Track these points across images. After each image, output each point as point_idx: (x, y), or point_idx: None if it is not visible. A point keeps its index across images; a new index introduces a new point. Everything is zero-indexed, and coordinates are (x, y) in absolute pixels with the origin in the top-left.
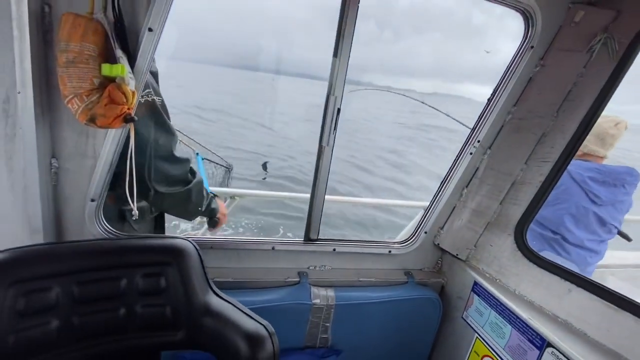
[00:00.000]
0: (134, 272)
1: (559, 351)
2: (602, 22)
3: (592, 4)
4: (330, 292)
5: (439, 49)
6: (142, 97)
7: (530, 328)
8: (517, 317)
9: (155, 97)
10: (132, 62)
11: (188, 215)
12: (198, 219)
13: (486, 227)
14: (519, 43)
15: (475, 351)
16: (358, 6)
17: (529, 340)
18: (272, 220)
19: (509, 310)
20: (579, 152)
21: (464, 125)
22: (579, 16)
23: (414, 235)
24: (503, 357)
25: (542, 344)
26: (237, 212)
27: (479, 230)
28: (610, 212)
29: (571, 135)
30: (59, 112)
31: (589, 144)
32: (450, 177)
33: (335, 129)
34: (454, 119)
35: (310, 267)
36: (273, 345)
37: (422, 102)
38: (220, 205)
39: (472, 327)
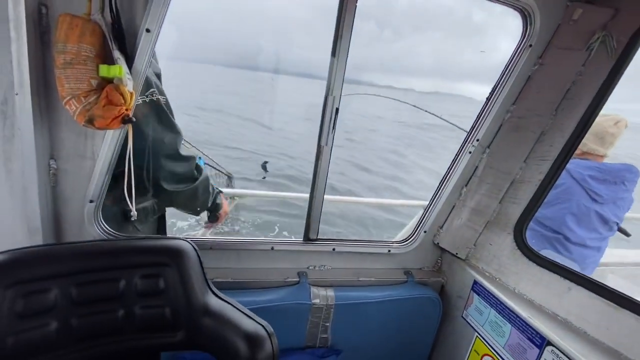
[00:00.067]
0: (132, 273)
1: (559, 349)
2: (601, 20)
3: (590, 2)
4: (330, 292)
5: (439, 48)
6: (147, 96)
7: (530, 327)
8: (517, 316)
9: (159, 97)
10: (129, 63)
11: (196, 211)
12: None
13: (486, 226)
14: (518, 41)
15: (475, 350)
16: (356, 5)
17: (529, 339)
18: (269, 218)
19: (508, 309)
20: (578, 151)
21: (458, 127)
22: (577, 14)
23: (413, 235)
24: (503, 356)
25: (541, 342)
26: (234, 210)
27: (479, 229)
28: (612, 210)
29: (570, 133)
30: (57, 113)
31: (589, 142)
32: (450, 176)
33: (334, 128)
34: (446, 120)
35: (310, 267)
36: (272, 346)
37: (414, 106)
38: (224, 202)
39: (472, 326)
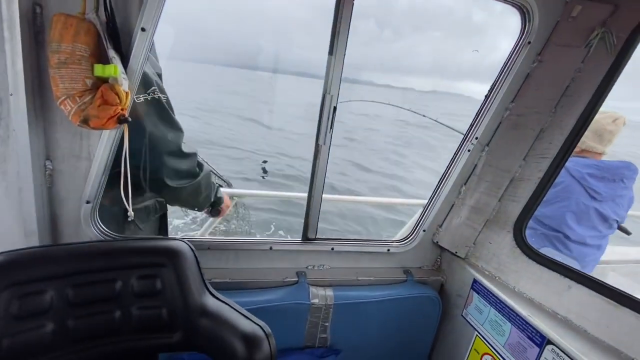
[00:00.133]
0: (129, 274)
1: (559, 348)
2: (600, 16)
3: None
4: (329, 292)
5: (438, 47)
6: (149, 94)
7: (530, 325)
8: (517, 315)
9: (160, 95)
10: (125, 62)
11: (199, 206)
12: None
13: (485, 225)
14: (516, 39)
15: (475, 349)
16: (353, 4)
17: (529, 338)
18: (266, 216)
19: (508, 307)
20: (577, 149)
21: (454, 130)
22: (576, 11)
23: (412, 234)
24: (503, 354)
25: (542, 341)
26: (234, 209)
27: (478, 227)
28: (612, 207)
29: (569, 130)
30: (52, 113)
31: (587, 140)
32: (449, 175)
33: (332, 127)
34: (442, 124)
35: (309, 267)
36: (270, 346)
37: (409, 110)
38: (225, 196)
39: (472, 325)
